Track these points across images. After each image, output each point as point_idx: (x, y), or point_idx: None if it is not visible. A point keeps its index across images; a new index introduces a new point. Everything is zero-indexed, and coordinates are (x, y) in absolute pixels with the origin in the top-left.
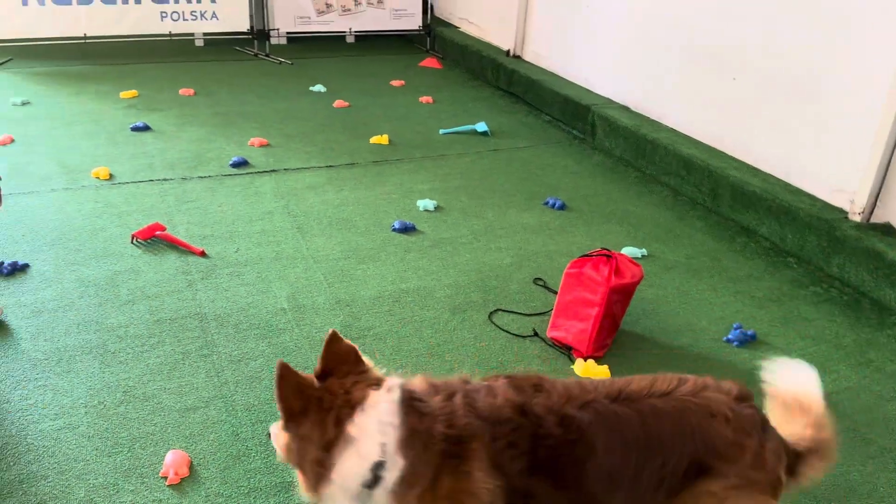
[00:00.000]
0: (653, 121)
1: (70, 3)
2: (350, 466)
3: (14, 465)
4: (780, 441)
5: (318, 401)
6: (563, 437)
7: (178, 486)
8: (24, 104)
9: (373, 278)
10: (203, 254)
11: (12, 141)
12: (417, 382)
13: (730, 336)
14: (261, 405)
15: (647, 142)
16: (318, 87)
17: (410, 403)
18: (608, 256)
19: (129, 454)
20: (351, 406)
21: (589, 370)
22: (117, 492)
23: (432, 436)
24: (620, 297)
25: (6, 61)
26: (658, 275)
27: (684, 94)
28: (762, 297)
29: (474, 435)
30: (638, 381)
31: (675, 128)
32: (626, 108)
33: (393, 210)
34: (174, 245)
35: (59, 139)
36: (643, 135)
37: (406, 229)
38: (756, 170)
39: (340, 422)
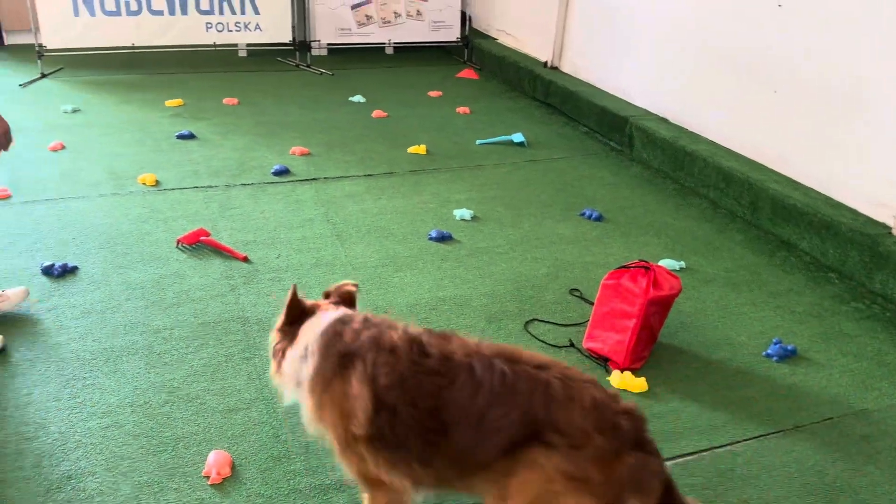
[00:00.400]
0: (691, 132)
1: (119, 14)
2: (289, 359)
3: (64, 460)
4: (655, 474)
5: (302, 312)
6: (434, 368)
7: (220, 486)
8: (74, 112)
9: (410, 286)
10: (246, 259)
11: (63, 147)
12: (357, 314)
13: (769, 351)
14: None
15: (685, 154)
16: (358, 98)
17: (337, 324)
18: (646, 268)
19: (173, 453)
20: (310, 318)
21: (626, 382)
22: (161, 490)
23: (334, 349)
24: (658, 309)
25: (57, 70)
26: (696, 288)
27: (724, 106)
28: (803, 312)
29: (360, 354)
30: (534, 355)
31: (714, 140)
32: (664, 120)
33: (430, 219)
34: (218, 250)
35: (107, 146)
36: (682, 146)
37: (443, 238)
38: (797, 183)
39: (298, 326)
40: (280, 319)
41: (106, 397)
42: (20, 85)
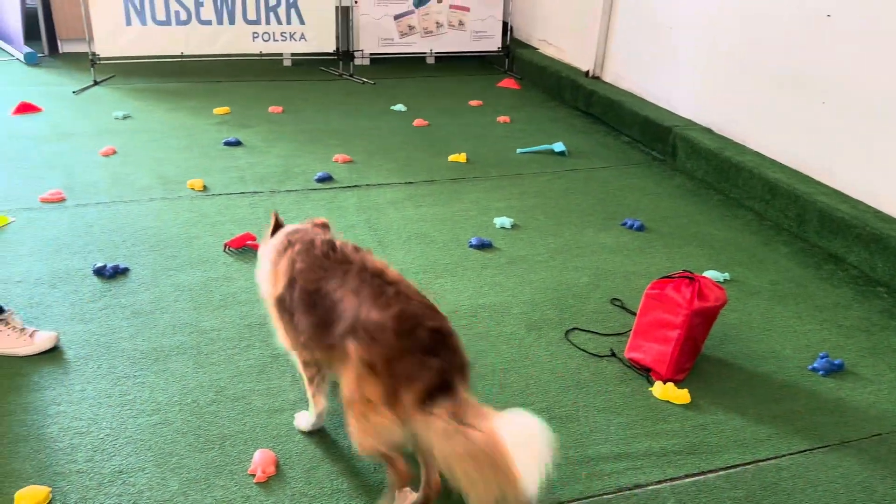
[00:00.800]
0: (737, 143)
1: (169, 24)
2: (261, 254)
3: (115, 455)
4: (434, 371)
5: (279, 227)
6: (327, 264)
7: (265, 484)
8: (125, 118)
9: (450, 293)
10: None
11: (115, 153)
12: (309, 226)
13: (815, 365)
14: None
15: (730, 165)
16: (399, 107)
17: (291, 231)
18: (691, 279)
19: (219, 451)
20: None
21: (668, 393)
22: (209, 486)
23: (284, 243)
24: (702, 320)
25: (109, 78)
26: (741, 300)
27: (770, 117)
28: (850, 326)
29: (294, 245)
30: (394, 274)
31: (759, 151)
32: (708, 130)
33: (470, 227)
34: None
35: (157, 152)
36: (727, 157)
37: (483, 246)
38: (845, 196)
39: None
40: (266, 234)
41: (155, 395)
42: (74, 92)
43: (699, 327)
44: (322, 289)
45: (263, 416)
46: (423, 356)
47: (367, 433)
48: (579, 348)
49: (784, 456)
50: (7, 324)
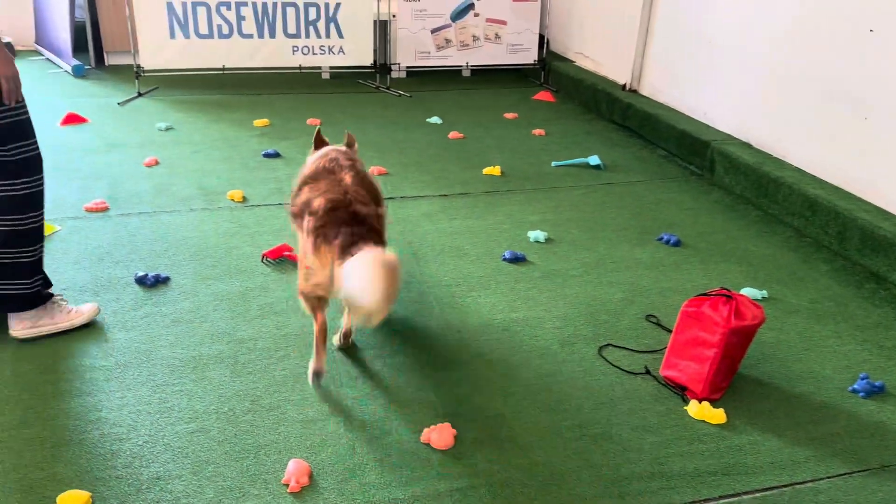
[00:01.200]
0: (776, 158)
1: (211, 38)
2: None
3: (153, 462)
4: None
5: (321, 143)
6: (325, 168)
7: (299, 494)
8: (167, 129)
9: (483, 306)
10: None
11: (157, 163)
12: (340, 150)
13: (855, 386)
14: (376, 422)
15: (769, 180)
16: (435, 119)
17: (325, 152)
18: (728, 297)
19: (254, 460)
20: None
21: (703, 413)
22: (243, 495)
23: (314, 158)
24: (740, 339)
25: (153, 90)
26: (779, 318)
27: (811, 133)
28: (892, 347)
29: (317, 159)
30: (356, 175)
31: (800, 166)
32: (747, 145)
33: (504, 240)
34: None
35: (198, 163)
36: (766, 172)
37: (516, 259)
38: (888, 213)
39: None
40: (312, 149)
41: (193, 403)
42: (119, 103)
43: (736, 346)
44: (308, 186)
45: (298, 426)
46: (341, 226)
47: (304, 279)
48: (613, 365)
49: (822, 479)
50: (59, 305)
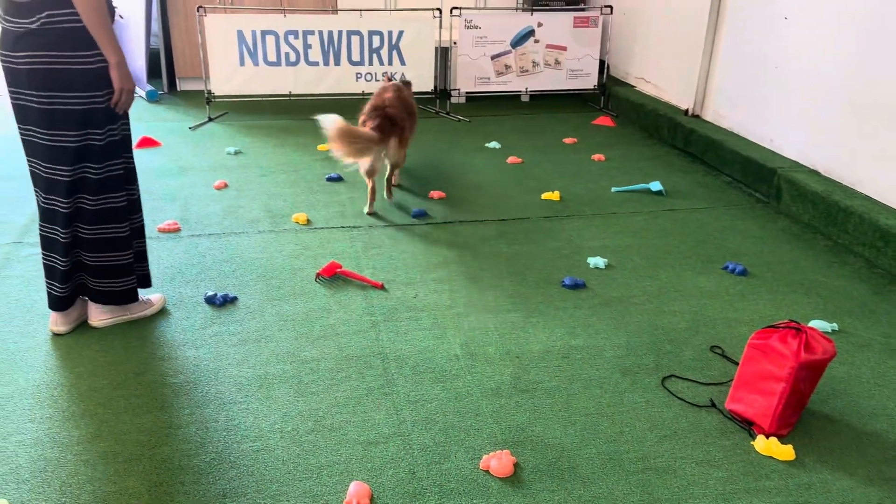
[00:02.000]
0: (846, 187)
1: (279, 65)
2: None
3: (220, 479)
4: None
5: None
6: (379, 98)
7: None
8: (236, 153)
9: (542, 332)
10: (382, 287)
11: (226, 186)
12: (397, 83)
13: None
14: (435, 447)
15: (839, 209)
16: (493, 144)
17: (385, 87)
18: (797, 329)
19: (316, 480)
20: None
21: (771, 449)
22: None
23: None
24: (809, 373)
25: (223, 114)
26: (850, 352)
27: (882, 161)
28: None
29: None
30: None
31: (871, 195)
32: (815, 173)
33: (563, 266)
34: (358, 283)
35: (265, 186)
36: (835, 201)
37: (576, 286)
38: None
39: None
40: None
41: (258, 422)
42: (190, 128)
43: (805, 381)
44: (382, 100)
45: (359, 447)
46: (375, 117)
47: (364, 163)
48: (677, 396)
49: None
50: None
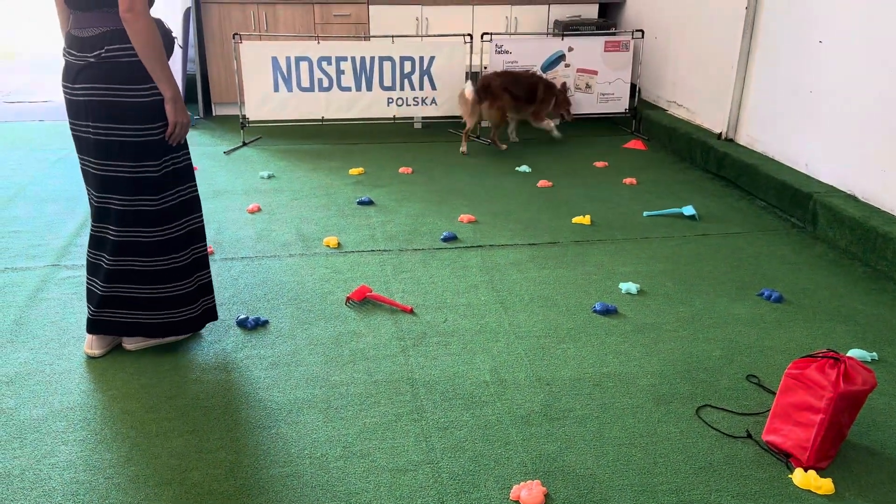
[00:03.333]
0: (884, 212)
1: (312, 91)
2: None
3: None
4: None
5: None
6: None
7: None
8: (269, 177)
9: (573, 359)
10: (411, 311)
11: (259, 210)
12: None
13: None
14: (465, 475)
15: (877, 235)
16: (524, 168)
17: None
18: (836, 359)
19: None
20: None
21: (809, 482)
22: None
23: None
24: (849, 404)
25: (257, 139)
26: (891, 382)
27: None
28: None
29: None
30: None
31: None
32: (852, 197)
33: (594, 291)
34: (388, 307)
35: (297, 210)
36: (873, 227)
37: (607, 312)
38: None
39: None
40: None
41: (288, 447)
42: (225, 152)
43: (845, 412)
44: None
45: (387, 475)
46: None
47: (493, 117)
48: (712, 427)
49: None
50: None
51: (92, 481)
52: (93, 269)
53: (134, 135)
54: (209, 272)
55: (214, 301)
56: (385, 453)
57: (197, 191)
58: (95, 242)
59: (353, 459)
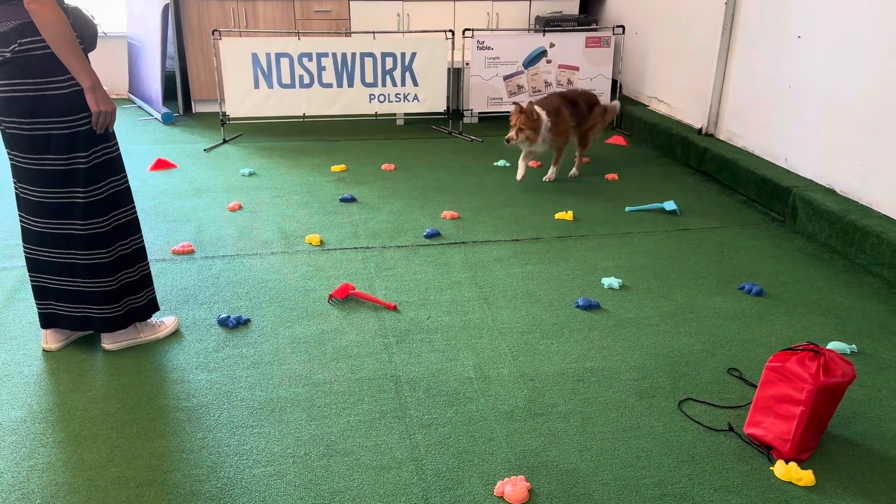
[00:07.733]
0: (862, 206)
1: (293, 87)
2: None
3: None
4: (557, 106)
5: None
6: (562, 95)
7: None
8: (250, 175)
9: (556, 354)
10: (395, 308)
11: (240, 208)
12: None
13: None
14: (449, 472)
15: (856, 228)
16: (502, 163)
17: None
18: (816, 352)
19: None
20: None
21: (791, 474)
22: None
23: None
24: (829, 396)
25: (237, 136)
26: (870, 374)
27: None
28: None
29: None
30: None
31: (888, 215)
32: (831, 191)
33: (577, 286)
34: (371, 304)
35: (278, 207)
36: (851, 221)
37: (590, 307)
38: None
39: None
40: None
41: (270, 446)
42: (205, 150)
43: (825, 404)
44: (564, 103)
45: (371, 472)
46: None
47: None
48: (694, 420)
49: None
50: (146, 323)
51: (72, 483)
52: (33, 264)
53: (61, 127)
54: (147, 264)
55: (154, 293)
56: (369, 451)
57: (128, 182)
58: (27, 236)
59: (336, 458)
